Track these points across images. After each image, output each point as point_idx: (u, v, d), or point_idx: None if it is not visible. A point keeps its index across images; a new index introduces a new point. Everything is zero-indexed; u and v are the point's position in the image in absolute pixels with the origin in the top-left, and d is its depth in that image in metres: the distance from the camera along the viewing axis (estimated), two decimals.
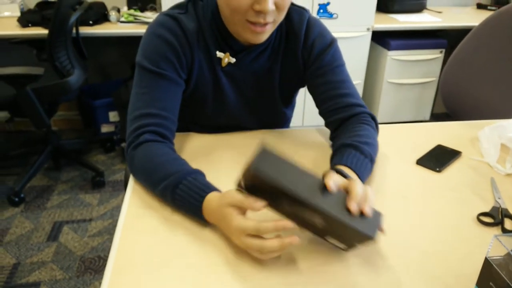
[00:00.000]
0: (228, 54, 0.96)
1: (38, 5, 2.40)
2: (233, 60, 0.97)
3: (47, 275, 1.66)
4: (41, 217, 1.99)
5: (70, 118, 2.81)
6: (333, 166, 0.82)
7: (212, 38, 0.95)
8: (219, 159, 0.96)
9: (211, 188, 0.75)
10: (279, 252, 0.65)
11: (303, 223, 0.68)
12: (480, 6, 3.01)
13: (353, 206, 0.62)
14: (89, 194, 2.17)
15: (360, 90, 2.67)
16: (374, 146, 0.89)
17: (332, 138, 1.00)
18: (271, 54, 1.00)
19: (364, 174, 0.82)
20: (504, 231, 0.76)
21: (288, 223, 0.63)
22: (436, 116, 3.08)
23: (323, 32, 1.00)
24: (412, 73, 2.67)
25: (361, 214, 0.63)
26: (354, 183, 0.65)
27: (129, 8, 2.58)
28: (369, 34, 2.50)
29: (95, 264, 1.72)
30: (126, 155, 0.88)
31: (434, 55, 2.63)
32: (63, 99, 2.10)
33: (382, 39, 2.63)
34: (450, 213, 0.81)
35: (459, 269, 0.67)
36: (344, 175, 0.76)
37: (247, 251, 0.67)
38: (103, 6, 2.51)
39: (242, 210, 0.68)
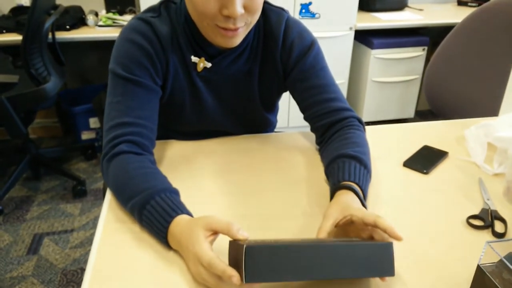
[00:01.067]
0: (203, 58, 0.92)
1: (12, 10, 2.33)
2: (208, 64, 0.93)
3: None
4: (20, 229, 1.92)
5: (48, 126, 2.73)
6: (338, 182, 0.78)
7: (186, 43, 0.91)
8: (201, 167, 0.93)
9: (179, 211, 0.69)
10: None
11: None
12: (460, 3, 3.03)
13: None
14: (70, 203, 2.10)
15: (344, 89, 2.65)
16: (369, 154, 0.86)
17: (320, 142, 0.97)
18: (249, 57, 0.96)
19: (367, 188, 0.79)
20: (495, 234, 0.74)
21: (235, 279, 0.55)
22: (420, 114, 3.09)
23: (303, 33, 0.96)
24: (395, 71, 2.67)
25: (373, 255, 0.58)
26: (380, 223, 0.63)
27: (107, 12, 2.52)
28: (352, 33, 2.48)
29: (77, 276, 1.67)
30: (101, 167, 0.83)
31: (417, 53, 2.64)
32: (40, 107, 2.03)
33: (365, 38, 2.62)
34: (439, 216, 0.79)
35: (451, 276, 0.65)
36: (356, 192, 0.74)
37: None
38: (80, 10, 2.45)
39: (215, 234, 0.64)
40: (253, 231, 0.72)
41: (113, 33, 2.25)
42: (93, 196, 2.16)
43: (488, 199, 0.83)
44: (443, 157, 0.98)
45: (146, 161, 0.82)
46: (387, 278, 0.61)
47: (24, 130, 1.86)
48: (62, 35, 2.18)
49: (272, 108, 1.10)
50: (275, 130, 1.19)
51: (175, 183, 0.78)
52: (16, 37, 2.14)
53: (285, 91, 1.05)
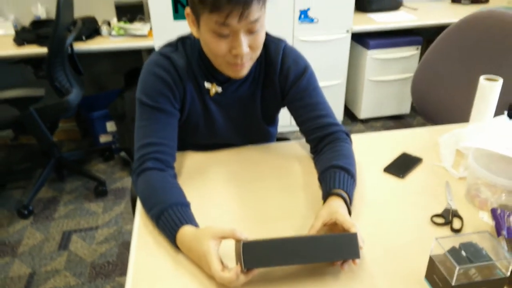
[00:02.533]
0: (215, 84, 1.10)
1: (32, 24, 2.51)
2: (219, 89, 1.11)
3: (62, 282, 1.81)
4: (50, 227, 2.13)
5: (68, 129, 2.94)
6: (329, 189, 0.95)
7: (200, 72, 1.09)
8: (211, 175, 1.11)
9: (184, 222, 0.86)
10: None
11: None
12: (454, 1, 3.15)
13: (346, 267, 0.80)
14: (93, 203, 2.31)
15: (343, 88, 2.82)
16: (355, 164, 1.04)
17: (313, 152, 1.15)
18: (252, 82, 1.14)
19: (352, 193, 0.97)
20: (453, 230, 0.92)
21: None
22: (416, 109, 3.24)
23: (298, 59, 1.14)
24: (391, 70, 2.82)
25: (342, 243, 0.77)
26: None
27: (118, 20, 2.69)
28: (349, 36, 2.64)
29: (105, 269, 1.88)
30: (132, 180, 1.02)
31: (411, 52, 2.78)
32: (64, 116, 2.22)
33: (361, 39, 2.77)
34: (409, 215, 0.96)
35: (414, 264, 0.83)
36: (344, 198, 0.91)
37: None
38: (94, 20, 2.63)
39: (220, 240, 0.80)
40: (256, 230, 0.91)
41: (125, 43, 2.43)
42: (114, 195, 2.36)
43: (451, 200, 1.00)
44: (418, 162, 1.15)
45: (167, 177, 1.00)
46: (359, 265, 0.81)
47: (51, 138, 2.06)
48: (80, 46, 2.37)
49: (273, 122, 1.28)
50: (279, 130, 1.36)
51: (189, 189, 0.98)
52: (36, 49, 2.32)
53: (283, 107, 1.22)
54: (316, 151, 1.13)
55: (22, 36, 2.39)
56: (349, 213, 0.91)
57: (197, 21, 0.97)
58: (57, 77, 2.00)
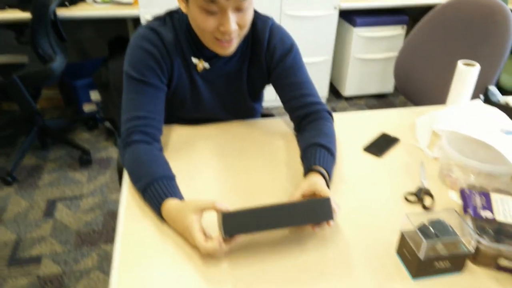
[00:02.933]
0: (202, 60, 1.12)
1: None
2: (207, 65, 1.13)
3: (48, 249, 1.84)
4: (34, 195, 2.15)
5: (51, 97, 2.90)
6: (310, 166, 0.99)
7: (187, 47, 1.10)
8: (197, 149, 1.15)
9: (169, 195, 0.89)
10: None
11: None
12: None
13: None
14: (78, 172, 2.32)
15: (328, 65, 2.84)
16: (335, 143, 1.09)
17: (297, 130, 1.19)
18: (239, 58, 1.16)
19: (331, 170, 1.02)
20: (424, 207, 0.98)
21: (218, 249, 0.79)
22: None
23: (284, 38, 1.16)
24: (377, 48, 2.85)
25: (317, 207, 0.83)
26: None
27: None
28: (336, 13, 2.64)
29: (91, 236, 1.92)
30: (119, 151, 1.05)
31: (397, 31, 2.81)
32: (47, 84, 2.20)
33: (348, 17, 2.78)
34: (384, 192, 1.02)
35: (386, 239, 0.89)
36: (323, 175, 0.96)
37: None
38: None
39: (202, 212, 0.84)
40: (239, 203, 0.96)
41: (110, 10, 2.39)
42: (98, 165, 2.38)
43: (424, 179, 1.06)
44: (396, 142, 1.21)
45: (154, 150, 1.03)
46: (335, 240, 0.86)
47: (35, 105, 2.05)
48: (63, 12, 2.31)
49: (258, 98, 1.31)
50: (264, 105, 1.40)
51: (175, 162, 1.02)
52: (18, 14, 2.26)
53: (268, 84, 1.25)
54: (299, 129, 1.17)
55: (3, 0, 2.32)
56: (328, 188, 0.96)
57: None
58: (40, 44, 1.97)
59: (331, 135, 1.09)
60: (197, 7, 0.96)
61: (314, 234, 0.89)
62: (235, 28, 0.98)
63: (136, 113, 1.05)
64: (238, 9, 0.96)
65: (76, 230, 1.95)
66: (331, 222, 0.84)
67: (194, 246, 0.83)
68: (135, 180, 0.97)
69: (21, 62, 1.86)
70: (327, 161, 1.01)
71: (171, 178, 0.96)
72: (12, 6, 2.31)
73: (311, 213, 0.82)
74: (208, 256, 0.82)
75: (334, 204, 0.85)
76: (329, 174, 0.99)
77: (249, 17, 1.01)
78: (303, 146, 1.08)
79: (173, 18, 1.10)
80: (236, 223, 0.79)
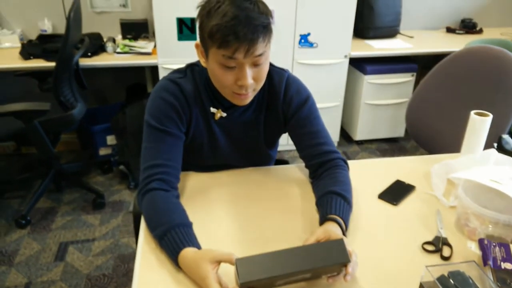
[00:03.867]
0: (220, 109, 1.16)
1: (39, 38, 2.57)
2: (224, 114, 1.17)
3: None
4: (47, 238, 2.15)
5: (68, 141, 2.97)
6: (326, 214, 1.00)
7: (206, 97, 1.15)
8: (213, 196, 1.16)
9: (187, 244, 0.90)
10: None
11: (295, 281, 0.86)
12: (449, 30, 3.26)
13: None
14: (91, 215, 2.34)
15: (339, 110, 2.89)
16: (351, 191, 1.09)
17: (312, 177, 1.20)
18: (255, 109, 1.20)
19: (348, 219, 1.02)
20: (442, 257, 0.97)
21: None
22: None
23: (300, 89, 1.20)
24: (386, 94, 2.91)
25: (330, 248, 0.82)
26: None
27: (123, 38, 2.76)
28: (347, 61, 2.72)
29: (101, 281, 1.90)
30: (137, 200, 1.07)
31: (406, 78, 2.87)
32: (67, 130, 2.26)
33: (359, 65, 2.86)
34: (401, 241, 1.01)
35: None
36: (339, 224, 0.96)
37: None
38: (99, 37, 2.69)
39: (218, 263, 0.84)
40: (254, 251, 0.94)
41: (130, 60, 2.49)
42: (111, 208, 2.39)
43: (441, 228, 1.05)
44: (411, 190, 1.21)
45: (171, 197, 1.05)
46: None
47: (53, 150, 2.10)
48: (85, 62, 2.42)
49: (274, 145, 1.33)
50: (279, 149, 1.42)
51: (191, 209, 1.03)
52: (42, 63, 2.37)
53: (284, 133, 1.28)
54: (315, 177, 1.19)
55: (28, 50, 2.44)
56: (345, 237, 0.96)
57: (205, 53, 1.04)
58: (63, 92, 2.05)
59: (347, 183, 1.10)
60: (216, 62, 1.01)
61: (331, 284, 0.88)
62: (252, 82, 1.03)
63: (155, 161, 1.08)
64: (255, 65, 1.02)
65: (87, 274, 1.93)
66: (348, 277, 0.83)
67: None
68: (152, 228, 0.98)
69: (43, 109, 1.93)
70: (343, 210, 1.02)
71: (188, 226, 0.97)
72: (36, 56, 2.42)
73: (327, 255, 0.81)
74: None
75: (350, 248, 0.84)
76: (346, 223, 1.00)
77: (264, 72, 1.06)
78: (319, 194, 1.09)
79: (194, 71, 1.15)
80: (252, 268, 0.78)
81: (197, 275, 0.85)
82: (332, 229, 0.93)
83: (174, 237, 0.92)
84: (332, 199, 1.04)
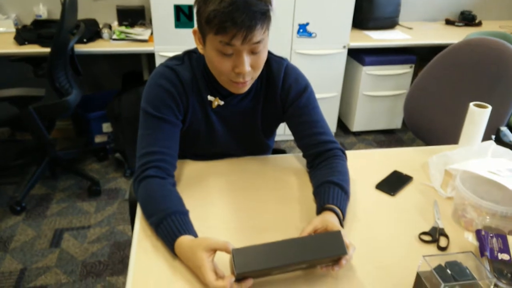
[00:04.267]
0: (217, 98, 1.15)
1: (33, 23, 2.53)
2: (222, 102, 1.16)
3: (53, 279, 1.82)
4: (42, 224, 2.14)
5: (63, 128, 2.95)
6: (323, 204, 1.00)
7: (204, 85, 1.13)
8: (210, 184, 1.15)
9: (183, 232, 0.89)
10: None
11: (291, 270, 0.86)
12: (448, 22, 3.25)
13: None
14: (86, 202, 2.33)
15: (337, 101, 2.88)
16: (349, 181, 1.09)
17: (310, 167, 1.20)
18: (253, 97, 1.19)
19: (345, 209, 1.02)
20: (439, 247, 0.97)
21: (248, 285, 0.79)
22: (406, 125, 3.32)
23: (299, 78, 1.19)
24: (385, 86, 2.90)
25: (328, 240, 0.82)
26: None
27: (119, 24, 2.72)
28: (345, 51, 2.70)
29: (96, 268, 1.90)
30: (133, 187, 1.06)
31: (405, 70, 2.86)
32: (62, 116, 2.24)
33: (357, 55, 2.84)
34: (398, 232, 1.01)
35: (401, 279, 0.87)
36: (336, 213, 0.96)
37: None
38: (95, 23, 2.65)
39: (214, 252, 0.83)
40: (250, 240, 0.95)
41: (126, 47, 2.46)
42: (107, 196, 2.38)
43: (438, 219, 1.06)
44: (409, 181, 1.21)
45: (167, 185, 1.04)
46: (348, 279, 0.84)
47: (48, 136, 2.08)
48: (80, 48, 2.39)
49: (271, 135, 1.32)
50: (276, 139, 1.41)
51: (188, 197, 1.02)
52: (37, 49, 2.34)
53: (282, 122, 1.27)
54: (312, 166, 1.18)
55: (23, 35, 2.40)
56: (341, 227, 0.96)
57: (203, 39, 1.02)
58: (58, 78, 2.02)
59: (344, 173, 1.10)
60: (214, 49, 1.00)
61: (327, 274, 0.88)
62: (249, 69, 1.01)
63: (151, 148, 1.06)
64: (253, 52, 1.00)
65: (82, 261, 1.93)
66: (344, 261, 0.83)
67: (205, 284, 0.82)
68: (148, 215, 0.98)
69: (38, 95, 1.91)
70: (340, 200, 1.01)
71: (184, 213, 0.96)
72: (31, 42, 2.39)
73: (324, 247, 0.80)
74: None
75: (348, 241, 0.84)
76: (343, 212, 0.99)
77: (262, 59, 1.04)
78: (316, 183, 1.09)
79: (191, 58, 1.14)
80: (248, 259, 0.77)
81: (192, 263, 0.85)
82: (329, 219, 0.93)
83: (171, 224, 0.91)
84: (330, 189, 1.03)
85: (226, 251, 0.82)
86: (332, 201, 1.00)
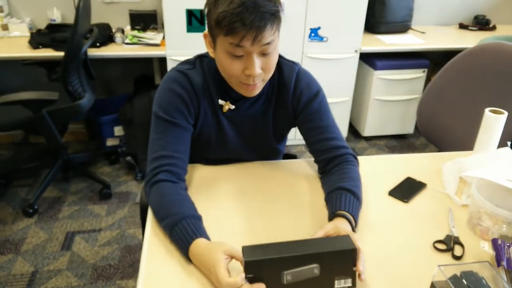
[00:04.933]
0: (228, 102, 1.14)
1: (48, 27, 2.56)
2: (233, 106, 1.15)
3: (64, 282, 1.83)
4: (54, 227, 2.16)
5: (76, 131, 2.98)
6: (335, 210, 0.99)
7: (215, 89, 1.13)
8: (220, 189, 1.15)
9: (198, 235, 0.90)
10: None
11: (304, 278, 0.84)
12: (462, 26, 3.21)
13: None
14: (97, 205, 2.34)
15: (349, 106, 2.86)
16: (361, 187, 1.08)
17: (321, 172, 1.18)
18: (265, 101, 1.18)
19: (357, 215, 1.01)
20: (454, 256, 0.95)
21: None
22: (419, 130, 3.28)
23: (310, 83, 1.18)
24: (397, 90, 2.87)
25: (337, 240, 0.83)
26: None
27: (132, 29, 2.75)
28: (357, 56, 2.69)
29: (107, 271, 1.90)
30: (145, 191, 1.06)
31: (417, 75, 2.83)
32: (75, 120, 2.26)
33: (369, 60, 2.82)
34: (412, 240, 1.00)
35: None
36: (349, 220, 0.96)
37: None
38: (108, 27, 2.68)
39: (231, 258, 0.83)
40: None
41: (138, 51, 2.48)
42: (118, 199, 2.40)
43: (453, 227, 1.03)
44: (422, 188, 1.19)
45: (179, 189, 1.04)
46: None
47: (61, 140, 2.10)
48: (94, 52, 2.41)
49: (282, 139, 1.32)
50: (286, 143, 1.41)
51: (199, 202, 1.02)
52: (51, 53, 2.37)
53: (293, 127, 1.26)
54: (324, 172, 1.17)
55: (37, 39, 2.43)
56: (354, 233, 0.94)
57: (213, 42, 1.02)
58: (71, 81, 2.05)
59: (356, 179, 1.09)
60: (224, 51, 0.99)
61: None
62: (260, 71, 1.01)
63: (163, 152, 1.06)
64: (263, 53, 1.00)
65: (93, 264, 1.94)
66: (363, 276, 0.81)
67: (217, 283, 0.81)
68: (160, 219, 0.97)
69: (51, 98, 1.93)
70: (352, 206, 1.00)
71: (199, 218, 0.96)
72: (45, 45, 2.41)
73: (332, 244, 0.82)
74: None
75: (359, 245, 0.83)
76: (355, 219, 0.98)
77: (273, 62, 1.04)
78: (328, 189, 1.08)
79: (203, 62, 1.14)
80: (257, 252, 0.79)
81: (206, 263, 0.84)
82: (341, 226, 0.92)
83: (186, 227, 0.91)
84: (342, 195, 1.02)
85: (240, 260, 0.82)
86: (344, 208, 0.99)
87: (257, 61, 0.99)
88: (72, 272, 1.89)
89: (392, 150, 3.00)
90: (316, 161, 1.20)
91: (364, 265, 0.83)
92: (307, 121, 1.17)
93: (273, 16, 0.96)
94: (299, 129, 1.22)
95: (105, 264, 1.94)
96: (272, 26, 0.96)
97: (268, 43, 0.97)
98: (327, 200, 1.07)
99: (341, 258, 0.81)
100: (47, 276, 1.86)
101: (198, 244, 0.88)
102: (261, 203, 1.10)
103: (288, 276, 0.80)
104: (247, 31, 0.93)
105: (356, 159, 1.17)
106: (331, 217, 0.99)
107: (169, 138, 1.08)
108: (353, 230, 0.96)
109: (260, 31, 0.94)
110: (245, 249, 0.79)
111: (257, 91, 1.07)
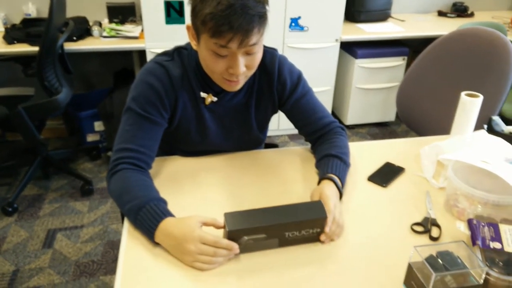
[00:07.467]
0: (210, 94, 1.13)
1: (23, 22, 2.50)
2: (215, 99, 1.14)
3: (46, 280, 1.80)
4: (35, 225, 2.12)
5: (54, 128, 2.92)
6: (324, 174, 1.06)
7: (196, 82, 1.11)
8: (201, 180, 1.14)
9: (168, 215, 0.90)
10: (226, 257, 0.86)
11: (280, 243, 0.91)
12: (440, 14, 3.24)
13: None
14: (79, 201, 2.31)
15: (330, 95, 2.87)
16: (348, 153, 1.16)
17: (313, 146, 1.25)
18: (246, 92, 1.17)
19: (344, 178, 1.10)
20: (431, 238, 0.96)
21: (235, 248, 0.85)
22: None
23: (292, 68, 1.19)
24: (378, 78, 2.89)
25: (310, 206, 0.91)
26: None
27: (110, 22, 2.70)
28: (338, 45, 2.69)
29: (90, 268, 1.88)
30: (107, 180, 1.04)
31: (398, 62, 2.85)
32: (52, 115, 2.22)
33: (349, 49, 2.83)
34: (391, 223, 1.00)
35: (394, 270, 0.87)
36: (335, 181, 1.03)
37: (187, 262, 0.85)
38: (85, 20, 2.63)
39: (202, 225, 0.88)
40: None
41: (116, 44, 2.44)
42: (99, 195, 2.36)
43: (430, 209, 1.05)
44: (401, 172, 1.20)
45: (143, 175, 1.03)
46: (340, 269, 0.84)
47: (39, 136, 2.05)
48: (70, 46, 2.36)
49: (265, 128, 1.31)
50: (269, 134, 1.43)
51: (182, 195, 1.00)
52: (26, 48, 2.31)
53: (276, 113, 1.26)
54: (315, 144, 1.23)
55: (12, 34, 2.37)
56: (340, 194, 1.02)
57: (197, 36, 1.00)
58: (47, 76, 2.00)
59: (343, 147, 1.16)
60: (208, 49, 0.97)
61: (319, 266, 0.87)
62: (244, 70, 1.00)
63: (128, 145, 1.04)
64: (248, 53, 0.99)
65: (75, 261, 1.91)
66: (323, 237, 0.91)
67: (198, 275, 0.82)
68: (124, 202, 0.95)
69: (28, 94, 1.88)
70: (339, 169, 1.07)
71: (165, 202, 0.96)
72: (20, 41, 2.36)
73: (306, 211, 0.90)
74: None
75: (332, 207, 0.93)
76: (341, 179, 1.05)
77: (257, 60, 1.03)
78: (318, 157, 1.16)
79: (182, 54, 1.11)
80: (239, 219, 0.86)
81: (182, 231, 0.86)
82: (323, 187, 0.99)
83: (154, 208, 0.91)
84: (329, 161, 1.10)
85: (215, 226, 0.88)
86: (330, 171, 1.06)
87: (242, 60, 0.98)
88: (54, 269, 1.86)
89: (374, 137, 3.02)
90: (307, 140, 1.26)
91: (340, 231, 0.94)
92: (294, 107, 1.20)
93: (261, 18, 0.95)
94: (287, 114, 1.24)
95: (88, 260, 1.92)
96: (259, 29, 0.95)
97: (254, 44, 0.96)
98: (317, 166, 1.15)
99: (312, 224, 0.90)
100: (28, 275, 1.83)
101: (168, 221, 0.89)
102: (244, 193, 1.10)
103: (266, 243, 0.90)
104: (234, 34, 0.91)
105: (344, 130, 1.24)
106: (320, 180, 1.06)
107: (137, 131, 1.06)
108: (340, 190, 1.02)
109: (247, 34, 0.93)
110: (227, 216, 0.86)
111: (239, 86, 1.07)
